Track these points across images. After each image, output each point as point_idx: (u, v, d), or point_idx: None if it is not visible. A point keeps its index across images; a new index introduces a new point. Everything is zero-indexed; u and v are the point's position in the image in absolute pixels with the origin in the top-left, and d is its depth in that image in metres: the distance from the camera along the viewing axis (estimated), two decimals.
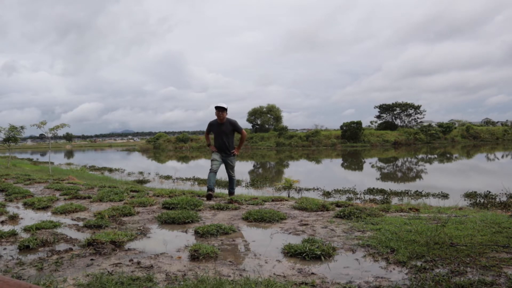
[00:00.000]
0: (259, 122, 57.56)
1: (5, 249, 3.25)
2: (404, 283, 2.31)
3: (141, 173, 18.56)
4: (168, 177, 15.86)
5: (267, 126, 56.69)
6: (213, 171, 5.82)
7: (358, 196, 10.03)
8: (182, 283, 2.36)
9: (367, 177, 16.62)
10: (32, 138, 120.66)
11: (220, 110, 5.81)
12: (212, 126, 6.11)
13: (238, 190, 11.00)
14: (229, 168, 6.07)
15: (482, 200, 8.68)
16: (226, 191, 10.42)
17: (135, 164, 28.14)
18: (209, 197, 5.67)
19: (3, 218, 4.62)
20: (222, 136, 5.96)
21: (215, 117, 6.01)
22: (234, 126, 6.00)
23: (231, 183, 6.28)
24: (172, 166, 25.80)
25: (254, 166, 26.25)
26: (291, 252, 2.95)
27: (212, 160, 5.98)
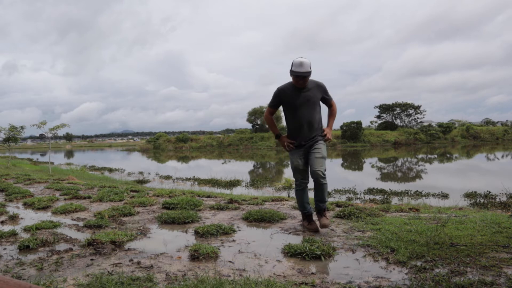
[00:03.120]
0: (259, 122, 57.52)
1: (5, 249, 3.25)
2: (404, 283, 2.31)
3: (141, 173, 18.56)
4: (168, 177, 15.86)
5: (267, 126, 56.67)
6: (302, 188, 3.74)
7: (358, 196, 10.03)
8: (182, 283, 2.36)
9: (367, 177, 16.62)
10: (32, 138, 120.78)
11: (301, 78, 3.48)
12: (284, 94, 3.63)
13: (238, 190, 10.95)
14: (317, 163, 3.53)
15: (482, 200, 8.68)
16: (226, 191, 10.34)
17: (135, 164, 28.13)
18: (309, 219, 3.76)
19: (3, 218, 4.62)
20: (306, 109, 3.58)
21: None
22: (324, 92, 3.69)
23: (321, 191, 3.63)
24: (172, 166, 25.79)
25: (254, 166, 26.25)
26: (291, 252, 2.95)
27: (294, 171, 3.72)
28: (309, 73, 3.47)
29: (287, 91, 3.62)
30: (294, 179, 3.79)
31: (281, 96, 3.66)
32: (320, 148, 3.60)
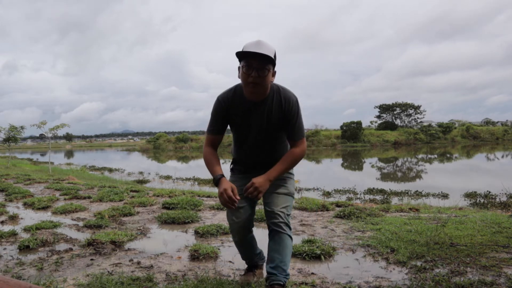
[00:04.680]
0: None
1: (5, 249, 3.25)
2: (404, 283, 2.31)
3: (141, 173, 18.55)
4: (168, 177, 15.85)
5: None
6: (240, 240, 2.25)
7: (358, 196, 10.02)
8: (182, 283, 2.36)
9: (367, 177, 16.62)
10: (32, 138, 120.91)
11: (256, 67, 1.86)
12: (232, 104, 2.07)
13: None
14: (276, 202, 2.14)
15: (482, 200, 8.67)
16: None
17: (135, 164, 28.12)
18: (250, 269, 2.42)
19: (3, 218, 4.62)
20: (255, 137, 2.12)
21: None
22: (289, 112, 2.04)
23: (278, 246, 2.05)
24: (172, 166, 25.79)
25: None
26: None
27: (230, 218, 2.16)
28: (271, 61, 1.89)
29: (234, 105, 2.08)
30: (230, 229, 2.26)
31: (227, 108, 2.09)
32: (281, 207, 2.11)
